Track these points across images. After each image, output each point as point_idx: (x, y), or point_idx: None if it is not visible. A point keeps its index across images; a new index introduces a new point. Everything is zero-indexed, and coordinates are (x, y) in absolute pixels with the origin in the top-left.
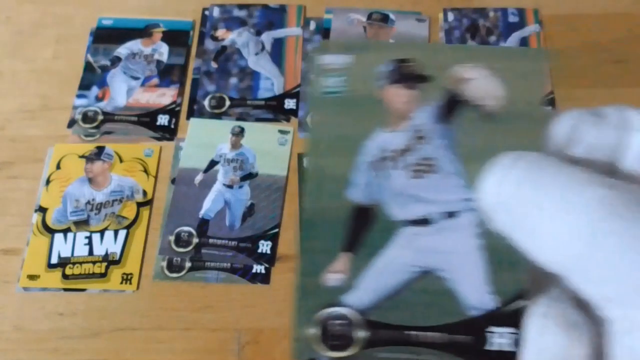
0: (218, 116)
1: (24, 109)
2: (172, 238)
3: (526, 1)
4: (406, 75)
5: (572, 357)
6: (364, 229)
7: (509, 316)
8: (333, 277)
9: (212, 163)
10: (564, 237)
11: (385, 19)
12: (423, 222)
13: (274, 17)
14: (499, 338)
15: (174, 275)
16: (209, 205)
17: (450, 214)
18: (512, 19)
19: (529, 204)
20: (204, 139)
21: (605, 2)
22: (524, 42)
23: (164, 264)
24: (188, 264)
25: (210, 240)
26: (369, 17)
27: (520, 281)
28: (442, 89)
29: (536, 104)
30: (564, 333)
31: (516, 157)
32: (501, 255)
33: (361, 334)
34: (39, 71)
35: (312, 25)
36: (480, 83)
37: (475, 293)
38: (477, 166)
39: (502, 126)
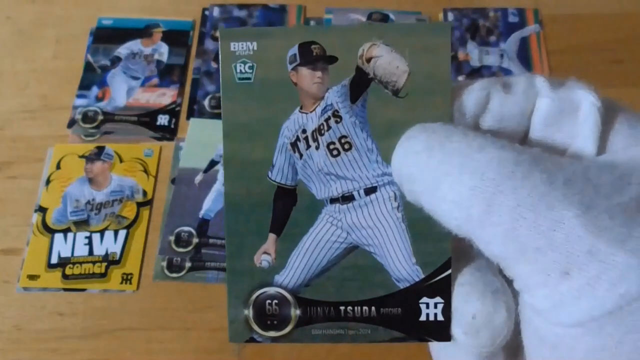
0: (218, 116)
1: (24, 109)
2: (172, 238)
3: (526, 1)
4: (314, 57)
5: (494, 322)
6: (288, 209)
7: (437, 286)
8: (263, 258)
9: (212, 163)
10: (463, 200)
11: (385, 19)
12: (344, 199)
13: (274, 17)
14: (428, 309)
15: (174, 275)
16: (209, 205)
17: (370, 190)
18: (512, 19)
19: (432, 171)
20: (204, 139)
21: (606, 2)
22: (524, 42)
23: (164, 264)
24: (188, 264)
25: (210, 240)
26: (369, 17)
27: (446, 251)
28: (350, 68)
29: (443, 77)
30: (486, 300)
31: (420, 129)
32: (424, 227)
33: (295, 312)
34: (39, 71)
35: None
36: (385, 60)
37: (402, 265)
38: (390, 141)
39: (411, 101)
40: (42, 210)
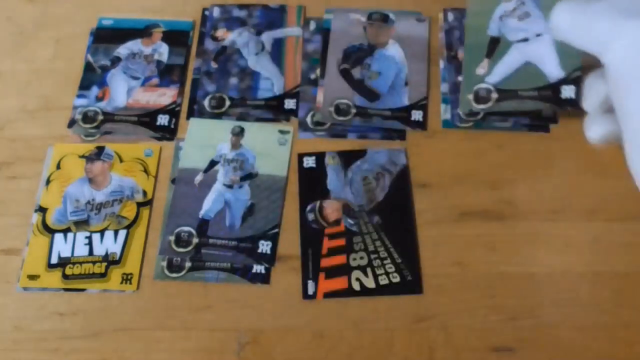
0: (218, 116)
1: (24, 109)
2: (172, 238)
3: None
4: None
5: (606, 99)
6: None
7: (573, 80)
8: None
9: (212, 163)
10: (597, 26)
11: (385, 18)
12: (524, 40)
13: (274, 17)
14: (568, 92)
15: (174, 275)
16: (209, 205)
17: (538, 35)
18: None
19: (578, 19)
20: (204, 139)
21: None
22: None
23: (164, 264)
24: (188, 264)
25: (210, 240)
26: (369, 17)
27: (579, 62)
28: None
29: None
30: (603, 86)
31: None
32: (567, 47)
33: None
34: (39, 71)
35: (312, 25)
36: None
37: (553, 67)
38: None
39: None
40: (42, 210)
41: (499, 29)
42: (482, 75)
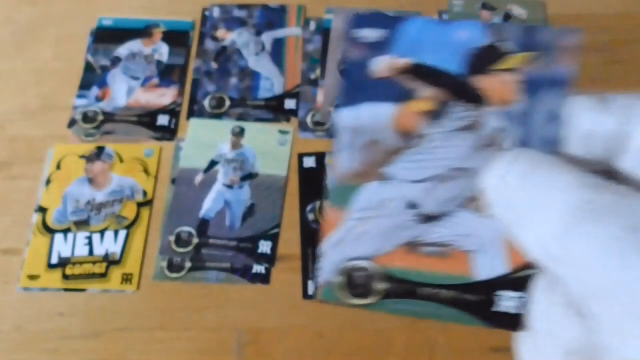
0: (218, 116)
1: (24, 109)
2: (172, 238)
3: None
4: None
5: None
6: None
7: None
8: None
9: (212, 163)
10: (544, 236)
11: None
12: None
13: (274, 17)
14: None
15: (174, 275)
16: (209, 205)
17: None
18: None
19: (517, 202)
20: (204, 139)
21: (606, 2)
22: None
23: (164, 264)
24: (188, 264)
25: (210, 240)
26: None
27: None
28: None
29: None
30: (564, 309)
31: (517, 154)
32: None
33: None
34: (39, 71)
35: (312, 25)
36: None
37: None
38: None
39: None
40: (42, 210)
41: None
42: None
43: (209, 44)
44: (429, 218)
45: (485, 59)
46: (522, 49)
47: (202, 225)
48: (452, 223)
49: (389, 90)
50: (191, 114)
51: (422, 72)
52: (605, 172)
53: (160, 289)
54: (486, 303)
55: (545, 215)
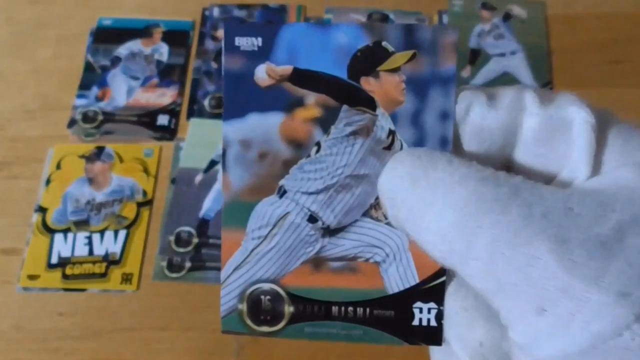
0: (218, 116)
1: (24, 109)
2: (172, 238)
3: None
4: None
5: (503, 348)
6: None
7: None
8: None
9: (212, 163)
10: (445, 234)
11: (385, 19)
12: (500, 55)
13: (274, 17)
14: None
15: (174, 275)
16: (209, 205)
17: (512, 52)
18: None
19: (415, 201)
20: (204, 139)
21: (605, 2)
22: None
23: (164, 264)
24: (188, 264)
25: (210, 240)
26: (369, 17)
27: (548, 75)
28: None
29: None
30: (493, 325)
31: (405, 154)
32: (538, 62)
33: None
34: (39, 71)
35: None
36: None
37: (527, 78)
38: None
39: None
40: (42, 210)
41: (478, 43)
42: (466, 78)
43: (209, 44)
44: (331, 231)
45: (367, 60)
46: (403, 48)
47: (202, 225)
48: (356, 234)
49: (275, 99)
50: (191, 114)
51: (304, 78)
52: (501, 166)
53: (160, 289)
54: (403, 318)
55: (442, 210)
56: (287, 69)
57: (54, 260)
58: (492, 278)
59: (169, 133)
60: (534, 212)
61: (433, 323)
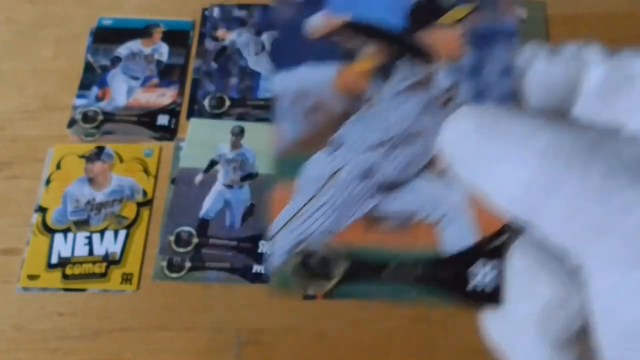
0: (218, 116)
1: (24, 109)
2: (172, 238)
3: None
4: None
5: (571, 307)
6: None
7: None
8: None
9: (212, 163)
10: (518, 188)
11: None
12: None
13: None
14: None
15: (174, 275)
16: (209, 205)
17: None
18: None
19: (485, 156)
20: (204, 139)
21: (605, 2)
22: None
23: (164, 264)
24: (188, 264)
25: (210, 240)
26: None
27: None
28: None
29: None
30: (560, 282)
31: (468, 109)
32: None
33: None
34: (39, 71)
35: None
36: None
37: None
38: None
39: None
40: (42, 210)
41: None
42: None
43: (209, 44)
44: (386, 188)
45: (427, 13)
46: (464, 1)
47: (202, 225)
48: (412, 192)
49: (328, 50)
50: (191, 114)
51: (360, 29)
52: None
53: (160, 289)
54: (460, 279)
55: (516, 163)
56: (341, 18)
57: (54, 260)
58: (576, 230)
59: (169, 133)
60: (624, 159)
61: (492, 284)
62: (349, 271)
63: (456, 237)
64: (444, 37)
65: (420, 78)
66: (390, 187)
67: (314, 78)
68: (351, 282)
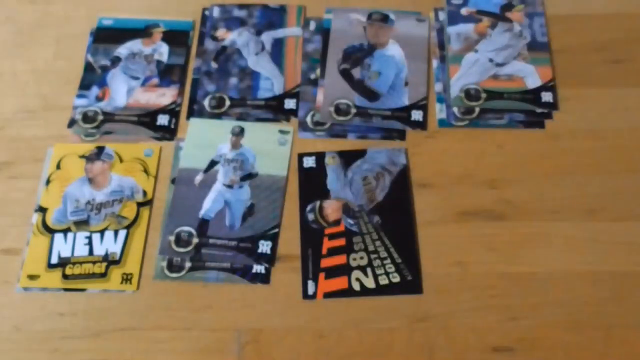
0: (218, 116)
1: (24, 109)
2: (172, 238)
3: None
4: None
5: None
6: None
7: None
8: None
9: (212, 163)
10: None
11: (385, 18)
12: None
13: (274, 17)
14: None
15: (174, 275)
16: (209, 205)
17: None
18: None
19: None
20: (204, 139)
21: (605, 2)
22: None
23: (164, 264)
24: (188, 264)
25: (210, 240)
26: (369, 17)
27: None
28: None
29: None
30: None
31: None
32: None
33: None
34: (39, 71)
35: (312, 25)
36: None
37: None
38: None
39: None
40: (42, 210)
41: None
42: None
43: (209, 44)
44: None
45: None
46: None
47: (202, 225)
48: None
49: None
50: (191, 114)
51: None
52: None
53: (160, 289)
54: None
55: None
56: None
57: (54, 260)
58: None
59: (169, 133)
60: None
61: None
62: None
63: None
64: None
65: None
66: None
67: None
68: None
